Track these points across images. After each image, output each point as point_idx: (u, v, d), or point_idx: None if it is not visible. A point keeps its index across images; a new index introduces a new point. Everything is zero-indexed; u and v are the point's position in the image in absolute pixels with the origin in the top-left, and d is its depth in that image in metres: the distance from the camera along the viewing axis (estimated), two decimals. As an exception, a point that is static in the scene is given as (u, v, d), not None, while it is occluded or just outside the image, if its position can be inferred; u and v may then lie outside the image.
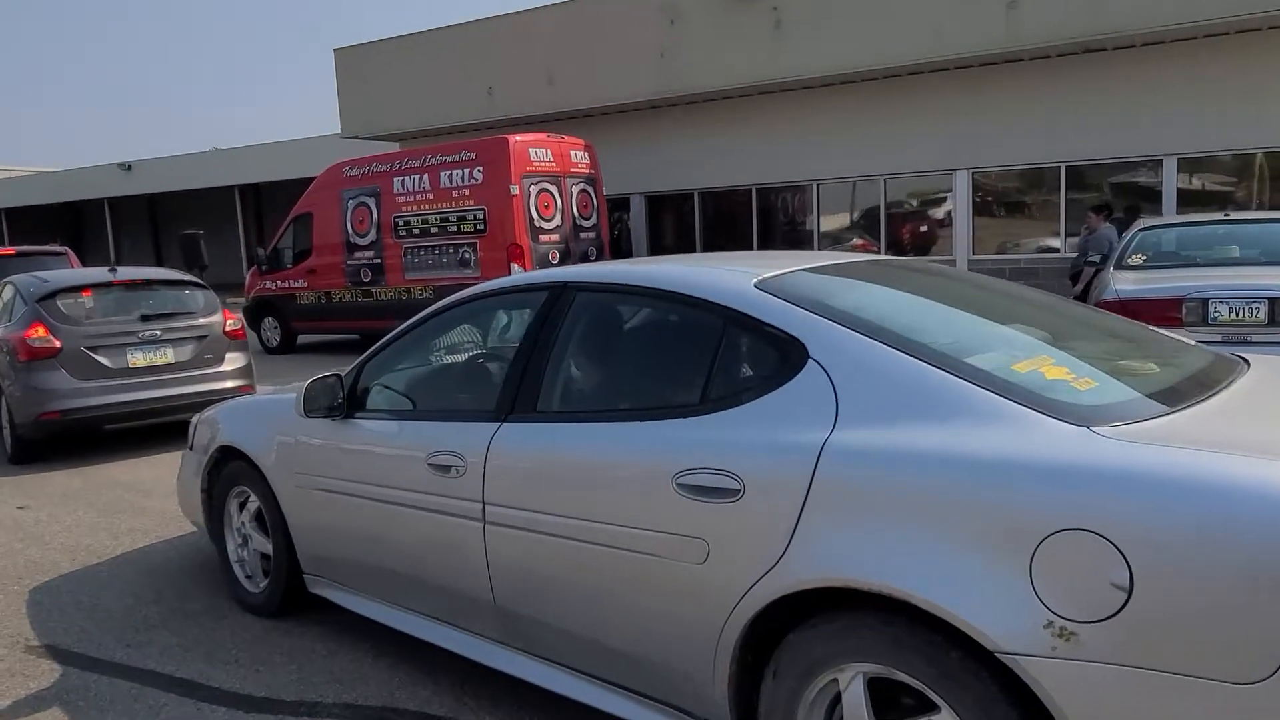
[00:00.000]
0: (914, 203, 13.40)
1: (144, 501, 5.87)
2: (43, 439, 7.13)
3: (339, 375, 3.39)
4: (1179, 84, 11.05)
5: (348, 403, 3.37)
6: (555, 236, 11.80)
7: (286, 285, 13.64)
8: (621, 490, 2.43)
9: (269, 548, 3.86)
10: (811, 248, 13.99)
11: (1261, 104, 10.65)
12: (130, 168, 29.71)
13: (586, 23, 14.42)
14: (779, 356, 2.31)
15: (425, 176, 11.98)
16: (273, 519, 3.77)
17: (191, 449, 4.36)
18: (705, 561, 2.26)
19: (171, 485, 6.21)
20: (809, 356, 2.25)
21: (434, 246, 11.99)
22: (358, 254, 12.75)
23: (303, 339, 14.32)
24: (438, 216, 11.90)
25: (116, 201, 31.58)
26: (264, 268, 13.90)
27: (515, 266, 11.26)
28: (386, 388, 3.36)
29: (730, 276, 2.57)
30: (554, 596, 2.64)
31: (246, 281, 14.32)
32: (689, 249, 15.14)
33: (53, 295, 7.22)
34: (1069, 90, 11.63)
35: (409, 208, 12.18)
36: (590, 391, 2.82)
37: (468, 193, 11.61)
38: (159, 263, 30.64)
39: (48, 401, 6.90)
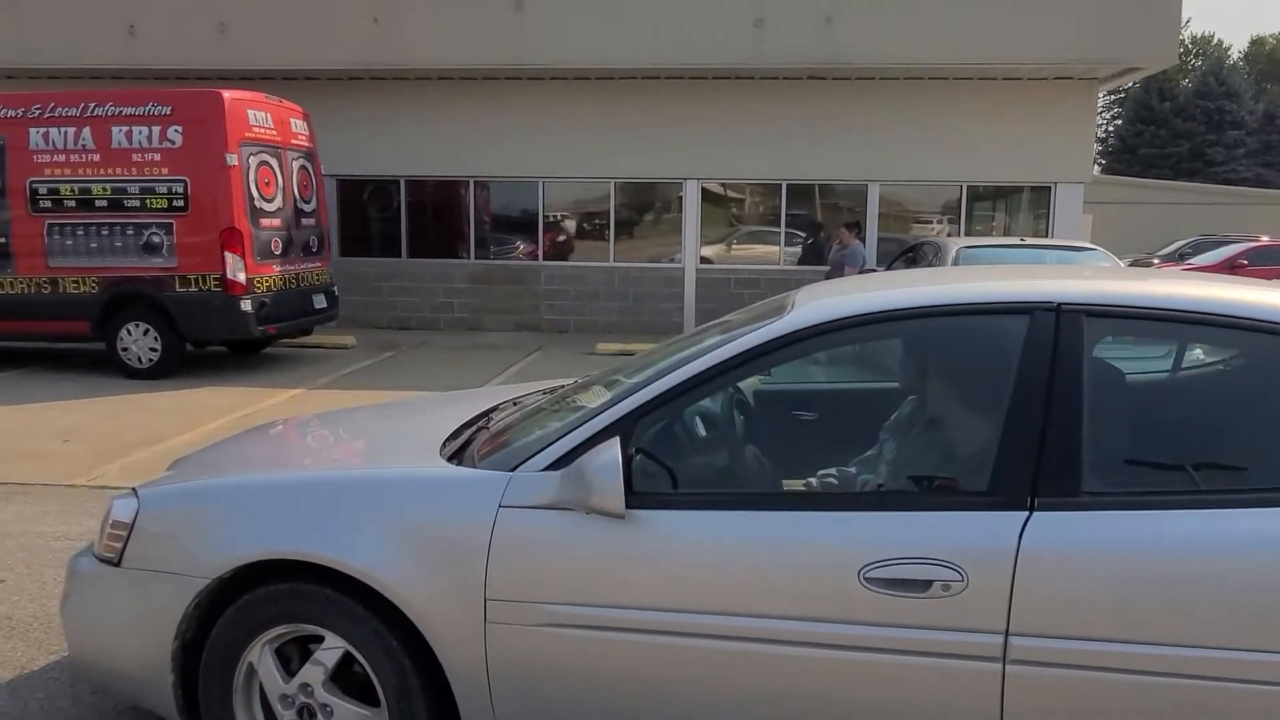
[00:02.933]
0: (641, 206, 13.32)
1: None
2: None
3: (616, 440, 2.09)
4: (888, 117, 12.31)
5: (625, 485, 2.09)
6: (277, 221, 9.60)
7: None
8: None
9: (374, 726, 2.32)
10: (536, 245, 13.24)
11: (968, 142, 12.26)
12: None
13: (278, -35, 12.03)
14: None
15: (86, 130, 8.99)
16: (396, 679, 2.26)
17: (119, 564, 2.51)
18: None
19: None
20: None
21: (100, 226, 9.05)
22: (-38, 229, 9.20)
23: None
24: (107, 185, 9.00)
25: None
26: None
27: (231, 256, 8.94)
28: (708, 459, 2.15)
29: None
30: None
31: None
32: (392, 243, 13.44)
33: None
34: (797, 113, 12.36)
35: (57, 170, 9.05)
36: (1186, 463, 2.02)
37: (158, 158, 8.94)
38: None
39: None
